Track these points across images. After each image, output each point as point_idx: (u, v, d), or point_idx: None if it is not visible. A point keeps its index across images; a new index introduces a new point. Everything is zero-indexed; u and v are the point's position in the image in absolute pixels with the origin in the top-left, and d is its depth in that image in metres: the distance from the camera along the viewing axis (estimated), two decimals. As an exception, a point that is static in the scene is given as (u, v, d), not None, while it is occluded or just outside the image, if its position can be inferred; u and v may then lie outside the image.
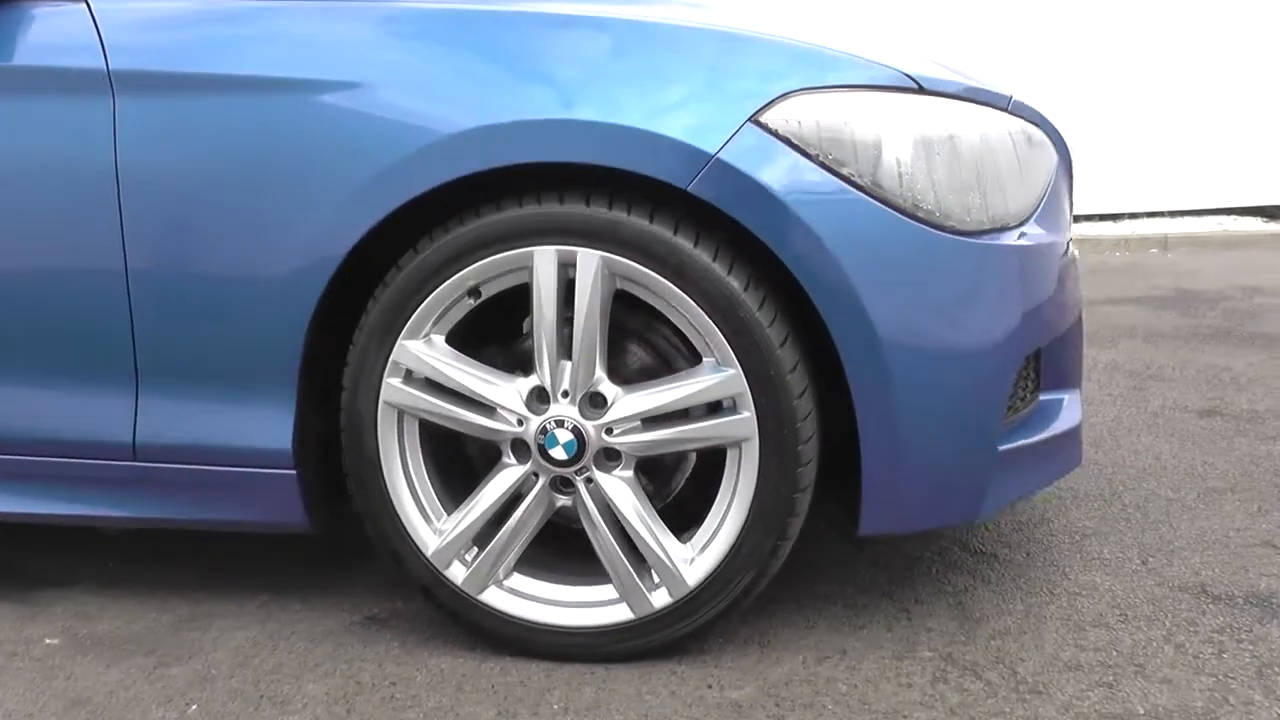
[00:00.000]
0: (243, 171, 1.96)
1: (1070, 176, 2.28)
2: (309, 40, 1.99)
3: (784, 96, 1.84)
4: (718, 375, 1.86)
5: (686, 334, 1.89)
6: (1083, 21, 7.04)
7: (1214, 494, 2.68)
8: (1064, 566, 2.32)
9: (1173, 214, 7.00)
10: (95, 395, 2.10)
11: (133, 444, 2.09)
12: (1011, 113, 2.04)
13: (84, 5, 2.07)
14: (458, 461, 2.12)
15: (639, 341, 2.04)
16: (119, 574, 2.45)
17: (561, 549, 2.05)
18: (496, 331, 2.08)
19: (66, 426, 2.12)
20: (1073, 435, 2.18)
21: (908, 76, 1.91)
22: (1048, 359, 2.15)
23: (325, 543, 2.59)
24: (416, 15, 1.98)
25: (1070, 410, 2.21)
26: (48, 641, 2.17)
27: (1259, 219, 7.09)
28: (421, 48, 1.95)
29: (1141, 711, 1.80)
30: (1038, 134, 2.09)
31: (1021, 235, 1.97)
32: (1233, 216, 7.12)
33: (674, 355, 2.03)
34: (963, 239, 1.88)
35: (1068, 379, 2.25)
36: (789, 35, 1.95)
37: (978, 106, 1.97)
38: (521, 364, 2.00)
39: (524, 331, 2.10)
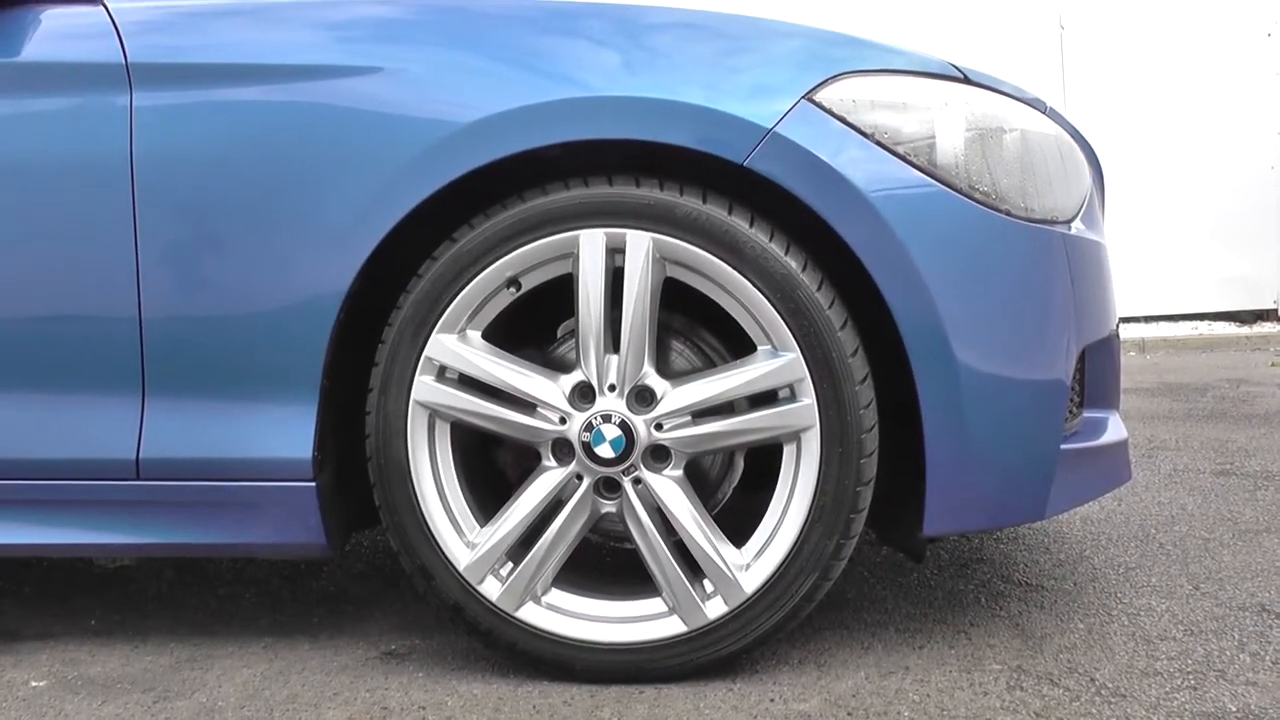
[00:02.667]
0: (260, 162, 1.87)
1: (1102, 189, 2.26)
2: (334, 25, 1.93)
3: (837, 77, 1.80)
4: (776, 360, 1.77)
5: (740, 321, 1.80)
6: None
7: (1249, 534, 2.60)
8: (1116, 593, 2.22)
9: (1148, 319, 7.10)
10: (95, 408, 1.95)
11: (136, 461, 1.94)
12: (1051, 118, 2.02)
13: (101, 6, 2.01)
14: (489, 474, 2.00)
15: (682, 340, 1.95)
16: (108, 622, 2.27)
17: (601, 565, 1.92)
18: (531, 337, 1.99)
19: (61, 445, 1.96)
20: (1123, 449, 2.11)
21: (955, 67, 1.89)
22: (1090, 372, 2.09)
23: (331, 588, 2.44)
24: (454, 4, 1.94)
25: (1116, 426, 2.14)
26: (33, 684, 1.99)
27: (1232, 324, 7.21)
28: (460, 30, 1.89)
29: (1234, 709, 1.69)
30: (1072, 142, 2.07)
31: (1073, 228, 1.94)
32: (1207, 321, 7.24)
33: (716, 358, 1.94)
34: (1021, 222, 1.83)
35: (1109, 398, 2.19)
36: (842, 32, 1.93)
37: (1021, 104, 1.95)
38: (558, 364, 1.91)
39: (559, 336, 2.00)
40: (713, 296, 1.81)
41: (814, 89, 1.79)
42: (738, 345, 1.88)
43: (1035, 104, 2.00)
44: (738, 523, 1.89)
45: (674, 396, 1.80)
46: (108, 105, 1.92)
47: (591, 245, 1.79)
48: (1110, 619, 2.07)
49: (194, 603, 2.36)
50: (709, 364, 1.94)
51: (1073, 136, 2.09)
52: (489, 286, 1.82)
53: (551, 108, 1.79)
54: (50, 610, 2.36)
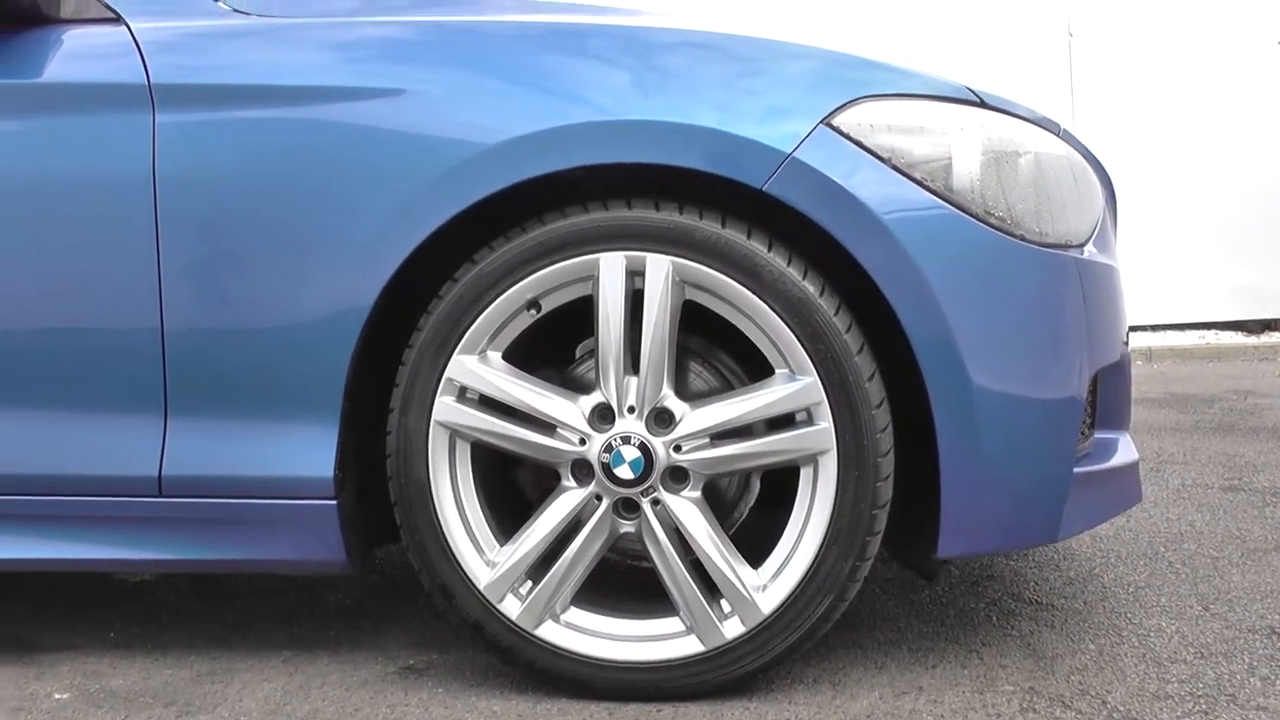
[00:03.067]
0: (283, 182, 1.90)
1: (1114, 209, 2.28)
2: (354, 46, 1.96)
3: (855, 101, 1.82)
4: (794, 384, 1.79)
5: (758, 344, 1.82)
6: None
7: (1258, 553, 2.62)
8: (1125, 613, 2.23)
9: (1155, 328, 7.12)
10: (118, 426, 1.97)
11: (158, 478, 1.97)
12: (1064, 140, 2.04)
13: (122, 25, 2.03)
14: (508, 492, 2.02)
15: (700, 361, 1.97)
16: (127, 635, 2.29)
17: (619, 583, 1.94)
18: (550, 357, 2.01)
19: (84, 462, 1.99)
20: (1134, 470, 2.13)
21: (971, 91, 1.91)
22: (1102, 393, 2.10)
23: (348, 601, 2.46)
24: (472, 26, 1.96)
25: (1127, 448, 2.16)
26: (56, 697, 2.01)
27: (1240, 333, 7.22)
28: (479, 54, 1.91)
29: (1247, 735, 1.71)
30: (1086, 164, 2.09)
31: (1086, 252, 1.96)
32: (1214, 331, 7.24)
33: (733, 380, 1.96)
34: (1035, 247, 1.85)
35: (1120, 418, 2.21)
36: (852, 50, 1.95)
37: (1035, 127, 1.97)
38: (577, 385, 1.93)
39: (578, 356, 2.02)
40: (730, 319, 1.83)
41: (832, 113, 1.81)
42: (755, 367, 1.90)
43: (1049, 126, 2.02)
44: (752, 540, 1.91)
45: (692, 419, 1.83)
46: (130, 125, 1.94)
47: (611, 269, 1.81)
48: (1121, 640, 2.09)
49: (211, 615, 2.39)
50: (726, 385, 1.96)
51: (1085, 158, 2.11)
52: (509, 309, 1.85)
53: (571, 131, 1.81)
54: (69, 622, 2.38)
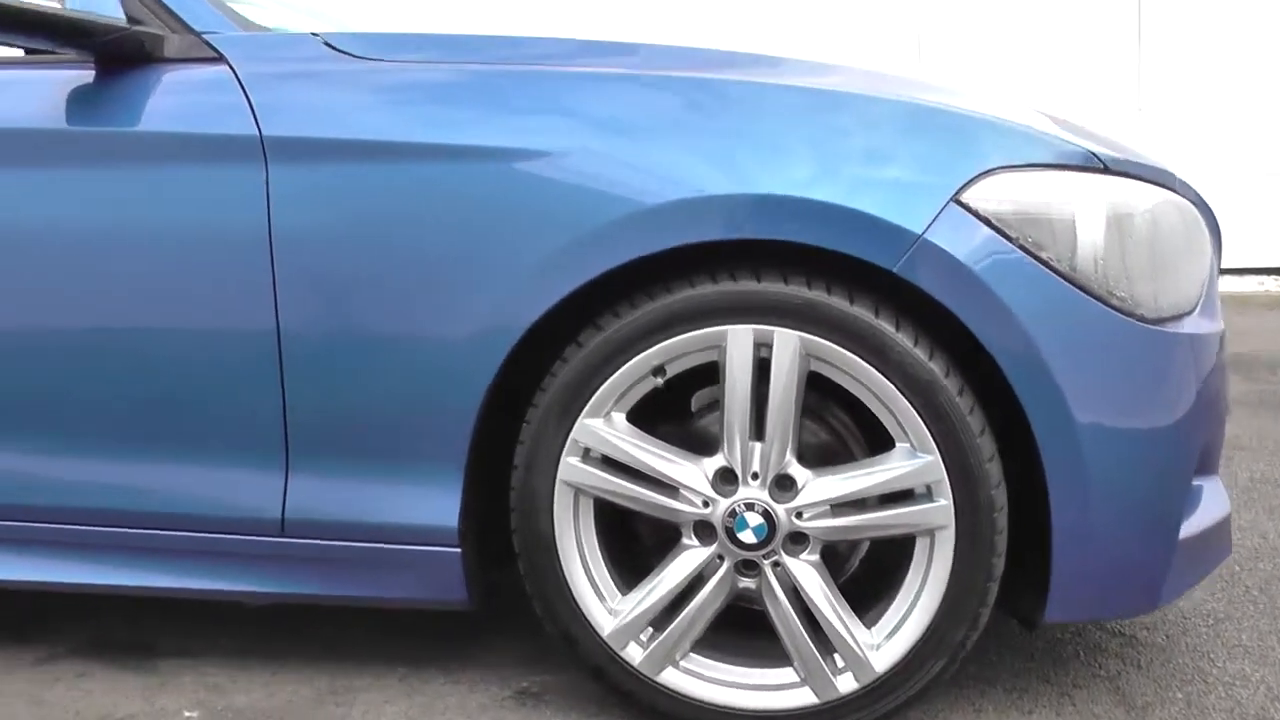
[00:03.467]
0: (411, 242, 1.93)
1: (1220, 246, 2.27)
2: (488, 104, 1.97)
3: (983, 175, 1.83)
4: (914, 461, 1.84)
5: (880, 417, 1.86)
6: (1118, 89, 7.12)
7: (1335, 575, 2.67)
8: (1208, 652, 2.30)
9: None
10: (241, 470, 2.05)
11: (281, 520, 2.04)
12: (1178, 192, 2.03)
13: (225, 66, 2.05)
14: (624, 535, 2.08)
15: (815, 419, 2.01)
16: (243, 644, 2.39)
17: (736, 627, 2.01)
18: (665, 406, 2.05)
19: (209, 502, 2.07)
20: (1226, 523, 2.17)
21: (1095, 156, 1.91)
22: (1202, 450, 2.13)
23: (457, 614, 2.54)
24: (614, 81, 1.97)
25: (1219, 497, 2.20)
26: (186, 714, 2.11)
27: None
28: (618, 114, 1.93)
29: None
30: (1197, 214, 2.08)
31: (1195, 323, 1.97)
32: (1274, 276, 7.18)
33: (848, 435, 2.01)
34: (1151, 327, 1.87)
35: (1212, 463, 2.24)
36: (974, 108, 1.95)
37: (1153, 186, 1.97)
38: (697, 440, 1.97)
39: (694, 409, 2.07)
40: (852, 390, 1.87)
41: (961, 189, 1.82)
42: (868, 426, 1.94)
43: (1165, 180, 2.01)
44: (870, 588, 1.98)
45: (814, 488, 1.88)
46: (242, 179, 1.98)
47: (739, 342, 1.85)
48: (1207, 688, 2.16)
49: (326, 628, 2.47)
50: (839, 440, 2.00)
51: (1196, 205, 2.10)
52: (635, 375, 1.89)
53: (706, 204, 1.83)
54: (182, 624, 2.48)
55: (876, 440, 1.93)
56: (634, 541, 2.10)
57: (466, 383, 1.93)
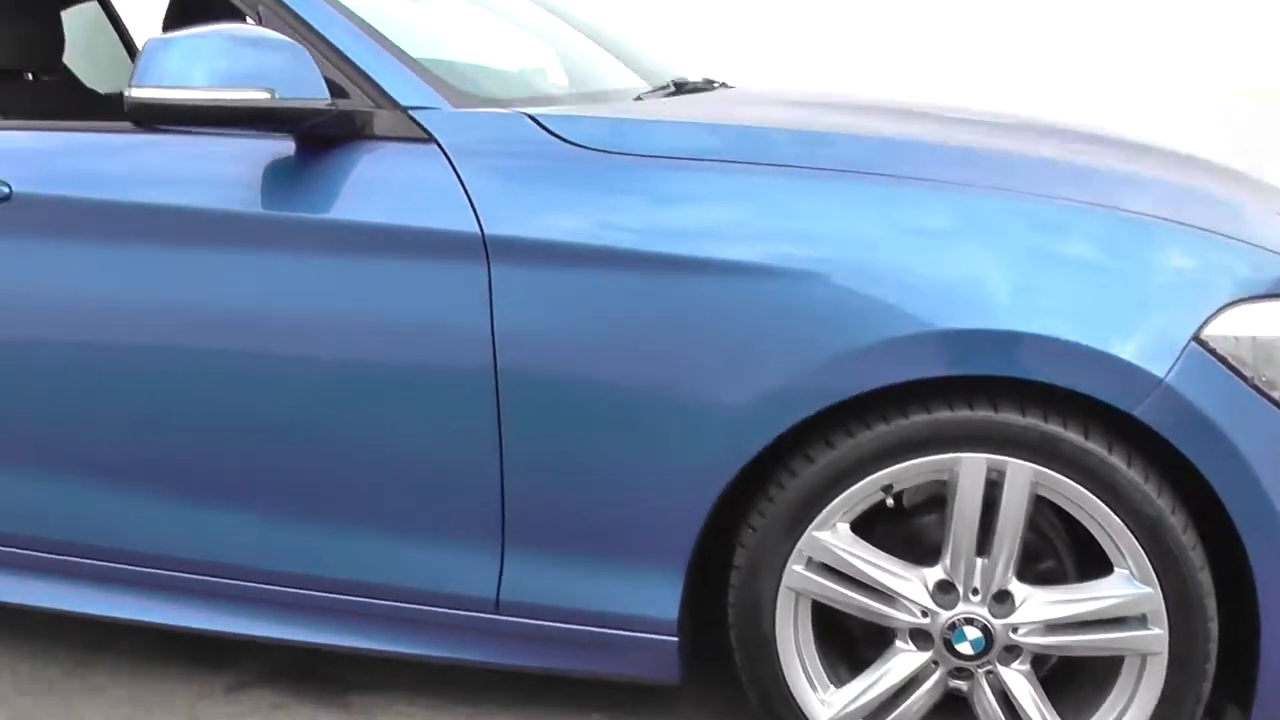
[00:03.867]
0: (648, 349, 1.96)
1: None
2: (731, 213, 1.97)
3: (1223, 309, 1.84)
4: (1134, 590, 1.91)
5: (1102, 544, 1.92)
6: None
7: None
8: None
9: None
10: (457, 551, 2.12)
11: (496, 600, 2.12)
12: None
13: (436, 147, 2.04)
14: (834, 627, 2.15)
15: (1032, 532, 2.06)
16: (438, 681, 2.47)
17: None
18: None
19: (425, 577, 2.16)
20: None
21: None
22: None
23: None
24: (867, 190, 1.96)
25: None
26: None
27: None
28: (872, 231, 1.92)
29: None
30: None
31: None
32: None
33: (1058, 542, 2.06)
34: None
35: None
36: (1204, 222, 1.96)
37: None
38: (911, 540, 2.04)
39: (905, 505, 2.12)
40: (1076, 515, 1.93)
41: (1202, 326, 1.83)
42: (1079, 538, 2.00)
43: None
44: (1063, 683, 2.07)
45: (1032, 607, 1.96)
46: (463, 276, 2.00)
47: (973, 471, 1.91)
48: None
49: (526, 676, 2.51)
50: (1048, 546, 2.05)
51: None
52: (864, 493, 1.95)
53: (958, 338, 1.85)
54: (380, 665, 2.53)
55: (1085, 549, 1.99)
56: (844, 630, 2.17)
57: (698, 490, 1.98)
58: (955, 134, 2.37)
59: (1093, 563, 1.97)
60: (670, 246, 1.95)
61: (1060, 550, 2.06)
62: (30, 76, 3.21)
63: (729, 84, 3.17)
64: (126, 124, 2.16)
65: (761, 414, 1.93)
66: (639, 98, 2.53)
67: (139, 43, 3.86)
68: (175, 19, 3.48)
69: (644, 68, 2.99)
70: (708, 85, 3.03)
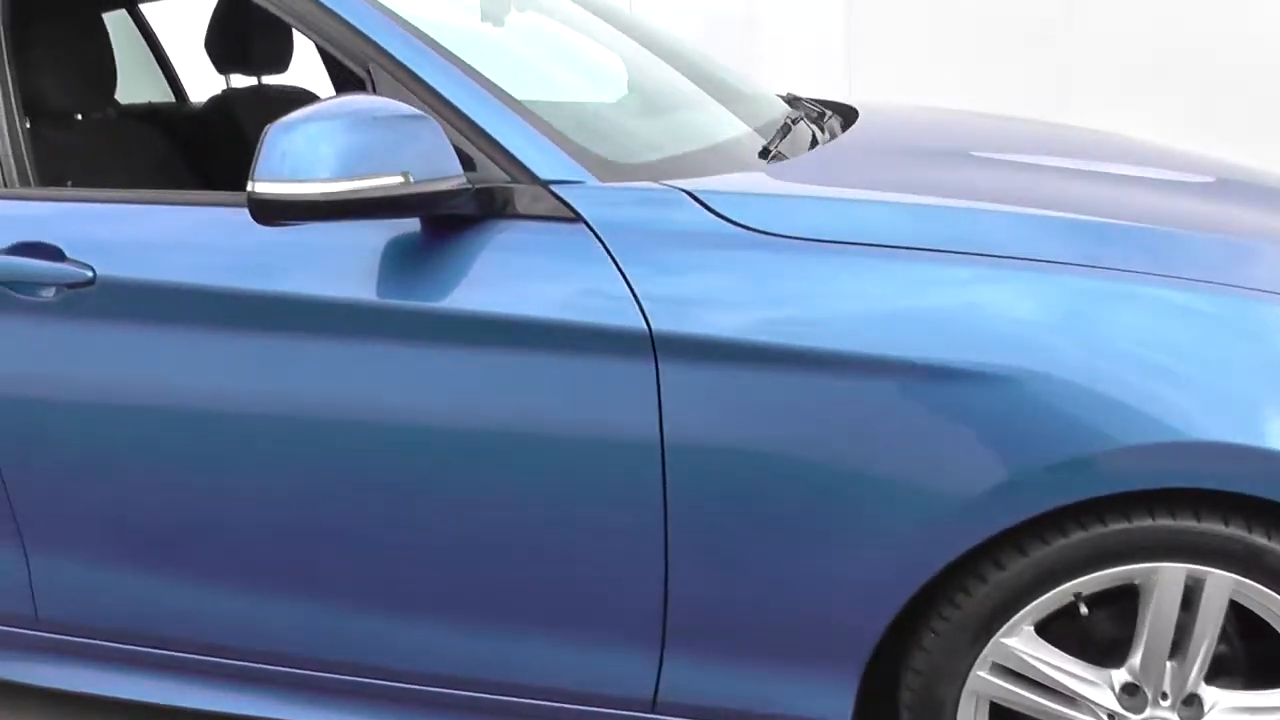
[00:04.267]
0: (829, 456, 1.86)
1: None
2: (918, 294, 1.84)
3: None
4: (1323, 697, 1.88)
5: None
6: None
7: None
8: None
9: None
10: (615, 650, 2.04)
11: (653, 700, 2.05)
12: None
13: (584, 227, 1.92)
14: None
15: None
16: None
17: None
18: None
19: (579, 678, 2.08)
20: None
21: None
22: None
23: None
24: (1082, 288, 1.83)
25: None
26: None
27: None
28: (1081, 330, 1.80)
29: None
30: None
31: None
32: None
33: (1241, 650, 2.02)
34: None
35: None
36: None
37: None
38: (1090, 637, 1.98)
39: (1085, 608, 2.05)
40: (1265, 618, 1.89)
41: None
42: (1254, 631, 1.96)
43: None
44: None
45: (1221, 712, 1.92)
46: (630, 374, 1.89)
47: (1171, 580, 1.85)
48: None
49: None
50: (1228, 646, 2.00)
51: None
52: (1056, 601, 1.89)
53: (1162, 451, 1.76)
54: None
55: (1257, 645, 1.96)
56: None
57: (881, 600, 1.91)
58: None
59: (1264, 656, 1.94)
60: (863, 347, 1.83)
61: (1238, 650, 2.02)
62: (79, 116, 2.96)
63: (851, 104, 2.99)
64: (221, 195, 2.03)
65: (955, 527, 1.85)
66: (768, 149, 2.35)
67: (167, 50, 3.64)
68: (219, 30, 3.29)
69: (737, 96, 2.82)
70: (821, 114, 2.86)
